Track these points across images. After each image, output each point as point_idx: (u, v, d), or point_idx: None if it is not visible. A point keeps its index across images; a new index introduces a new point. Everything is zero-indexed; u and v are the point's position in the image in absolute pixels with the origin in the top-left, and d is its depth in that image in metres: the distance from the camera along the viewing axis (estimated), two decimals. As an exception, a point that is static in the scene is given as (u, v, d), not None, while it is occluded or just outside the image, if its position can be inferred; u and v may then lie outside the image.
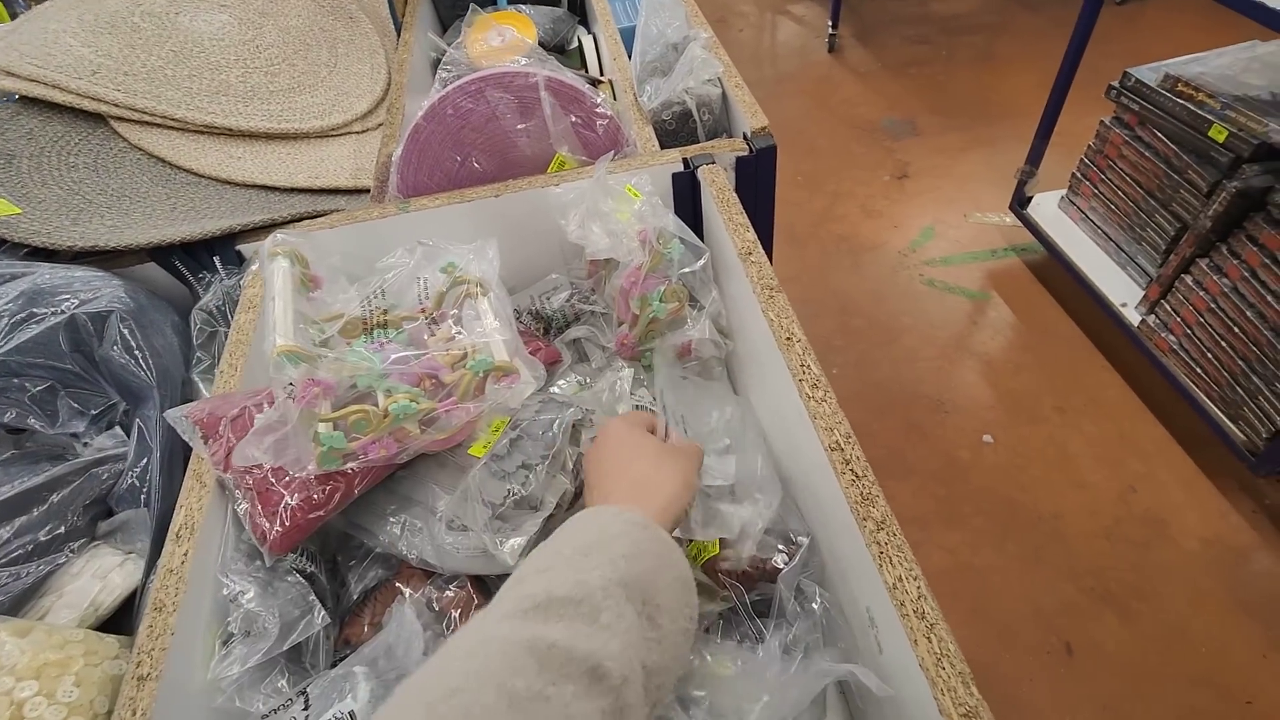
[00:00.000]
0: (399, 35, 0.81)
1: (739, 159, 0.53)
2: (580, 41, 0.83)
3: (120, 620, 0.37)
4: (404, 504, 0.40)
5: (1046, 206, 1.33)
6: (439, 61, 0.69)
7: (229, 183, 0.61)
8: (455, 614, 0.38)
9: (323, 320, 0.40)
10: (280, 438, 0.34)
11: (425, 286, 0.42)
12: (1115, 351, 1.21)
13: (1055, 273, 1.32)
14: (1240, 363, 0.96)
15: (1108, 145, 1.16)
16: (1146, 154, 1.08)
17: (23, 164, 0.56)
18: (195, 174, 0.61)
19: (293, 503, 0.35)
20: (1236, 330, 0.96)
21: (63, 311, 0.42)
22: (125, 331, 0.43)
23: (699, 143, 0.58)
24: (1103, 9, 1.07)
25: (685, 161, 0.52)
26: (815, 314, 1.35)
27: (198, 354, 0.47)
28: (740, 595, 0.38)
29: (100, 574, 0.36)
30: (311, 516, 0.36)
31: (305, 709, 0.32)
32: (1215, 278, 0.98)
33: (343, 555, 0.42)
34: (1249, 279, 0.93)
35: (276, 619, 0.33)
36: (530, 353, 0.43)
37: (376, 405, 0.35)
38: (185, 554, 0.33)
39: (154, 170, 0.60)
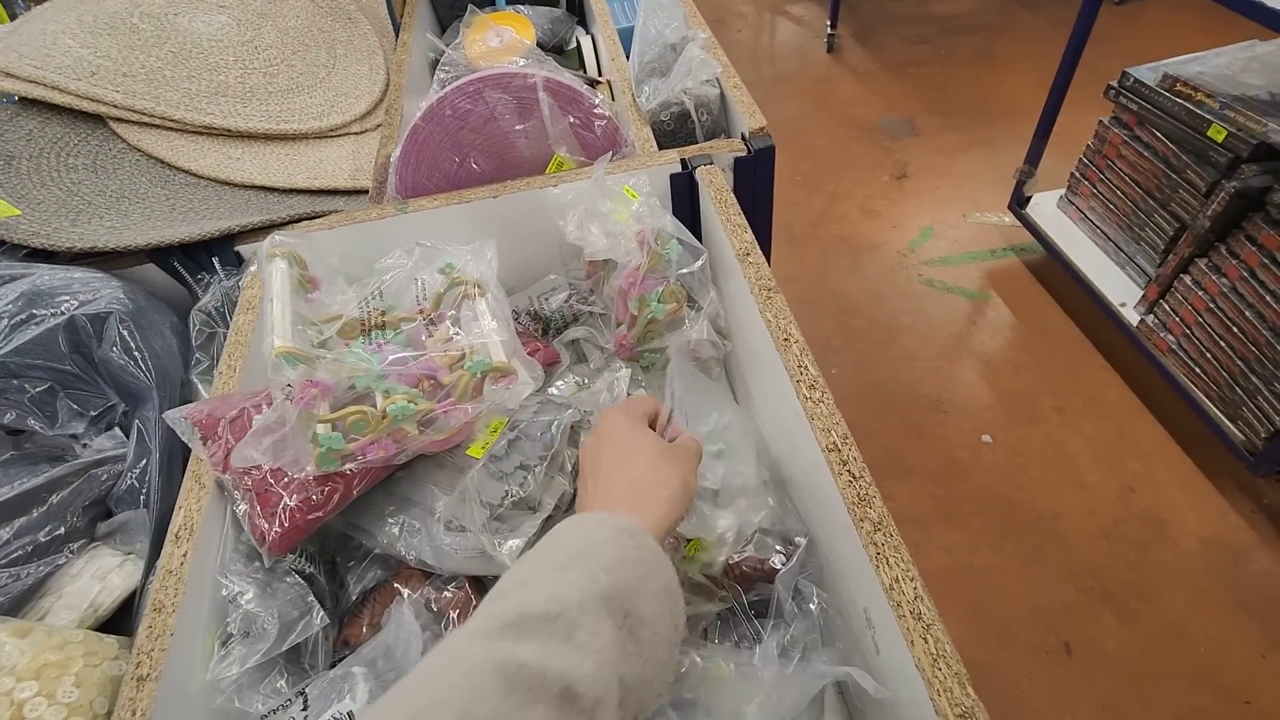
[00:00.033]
0: (397, 36, 0.81)
1: (737, 160, 0.53)
2: (579, 42, 0.83)
3: (120, 621, 0.37)
4: (402, 505, 0.40)
5: (1045, 206, 1.33)
6: (437, 62, 0.69)
7: (228, 183, 0.61)
8: (454, 614, 0.38)
9: (321, 321, 0.40)
10: (279, 439, 0.34)
11: (423, 287, 0.42)
12: (1114, 351, 1.21)
13: (1054, 272, 1.33)
14: (1239, 363, 0.96)
15: (1106, 145, 1.16)
16: (1145, 154, 1.08)
17: (22, 165, 0.56)
18: (194, 175, 0.61)
19: (291, 504, 0.35)
20: (1235, 330, 0.96)
21: (62, 313, 0.42)
22: (124, 333, 0.43)
23: (697, 143, 0.58)
24: (1101, 9, 1.07)
25: (683, 162, 0.52)
26: (814, 314, 1.35)
27: (196, 355, 0.47)
28: (738, 596, 0.38)
29: (100, 575, 0.37)
30: (310, 517, 0.36)
31: (304, 709, 0.32)
32: (1214, 278, 0.98)
33: (341, 556, 0.42)
34: (1248, 279, 0.94)
35: (275, 620, 0.34)
36: (529, 353, 0.43)
37: (375, 406, 0.35)
38: (184, 555, 0.33)
39: (153, 171, 0.60)
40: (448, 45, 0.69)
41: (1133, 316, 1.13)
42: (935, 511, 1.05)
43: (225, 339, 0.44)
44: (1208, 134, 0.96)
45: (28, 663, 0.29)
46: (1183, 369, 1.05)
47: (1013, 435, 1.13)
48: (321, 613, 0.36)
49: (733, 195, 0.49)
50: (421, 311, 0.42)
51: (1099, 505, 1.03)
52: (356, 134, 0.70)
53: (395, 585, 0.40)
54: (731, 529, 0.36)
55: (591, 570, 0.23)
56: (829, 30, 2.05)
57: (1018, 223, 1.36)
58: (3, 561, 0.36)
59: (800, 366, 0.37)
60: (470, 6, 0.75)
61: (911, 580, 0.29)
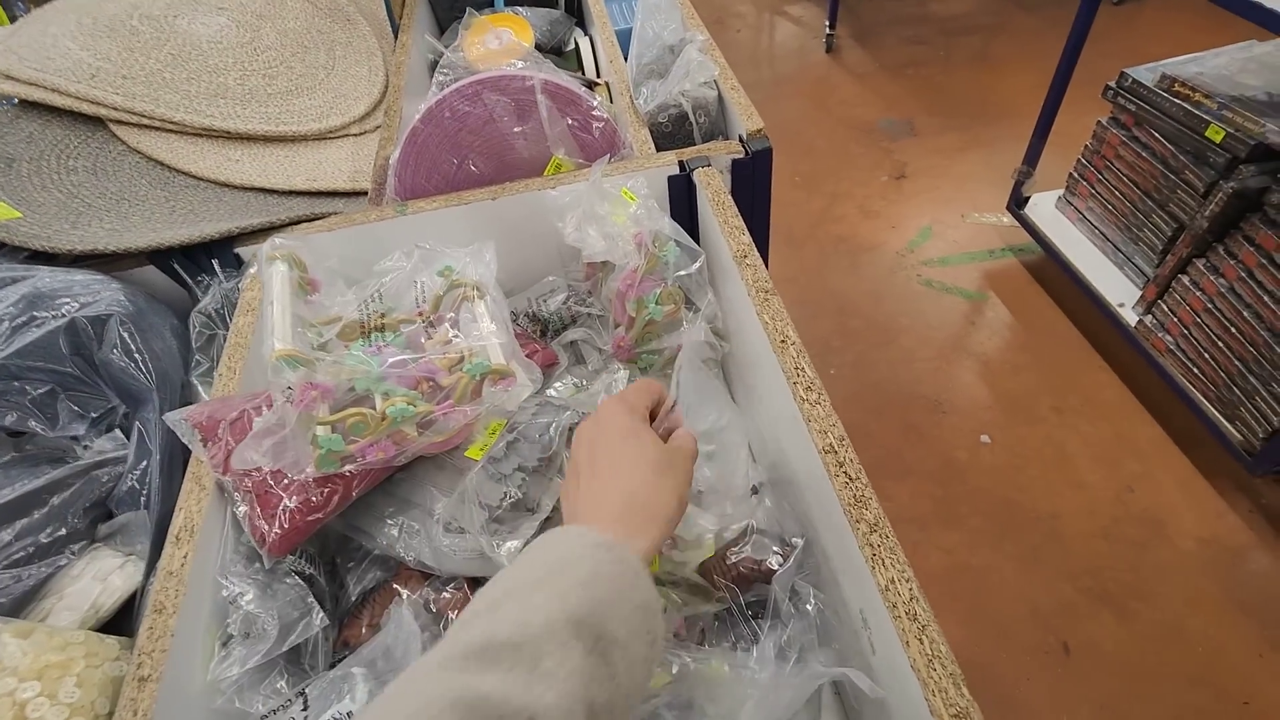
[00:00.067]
0: (396, 37, 0.81)
1: (735, 161, 0.53)
2: (577, 43, 0.83)
3: (120, 622, 0.37)
4: (402, 506, 0.40)
5: (1044, 207, 1.34)
6: (436, 64, 0.69)
7: (227, 185, 0.62)
8: (452, 615, 0.38)
9: (320, 324, 0.40)
10: (279, 441, 0.34)
11: (422, 290, 0.42)
12: (1112, 352, 1.22)
13: (1052, 273, 1.33)
14: (1237, 363, 0.97)
15: (1105, 145, 1.16)
16: (1143, 154, 1.08)
17: (22, 167, 0.56)
18: (194, 177, 0.61)
19: (291, 505, 0.35)
20: (1233, 331, 0.96)
21: (63, 315, 0.42)
22: (125, 335, 0.43)
23: (695, 145, 0.58)
24: (1100, 9, 1.07)
25: (681, 164, 0.52)
26: (813, 315, 1.36)
27: (196, 357, 0.47)
28: (735, 596, 0.38)
29: (100, 576, 0.37)
30: (310, 519, 0.36)
31: (304, 710, 0.32)
32: (1212, 278, 0.98)
33: (341, 557, 0.42)
34: (1245, 279, 0.94)
35: (275, 620, 0.34)
36: (527, 355, 0.43)
37: (374, 408, 0.35)
38: (185, 556, 0.34)
39: (152, 173, 0.60)
40: (446, 47, 0.69)
41: (1131, 317, 1.13)
42: (934, 512, 1.05)
43: (225, 341, 0.44)
44: (1206, 134, 0.96)
45: (30, 663, 0.30)
46: (1181, 369, 1.06)
47: (1011, 435, 1.13)
48: (321, 614, 0.36)
49: (730, 197, 0.50)
50: (421, 314, 0.42)
51: (1097, 505, 1.04)
52: (355, 135, 0.71)
53: (394, 586, 0.40)
54: (710, 532, 0.36)
55: (563, 590, 0.22)
56: (828, 31, 2.05)
57: (1016, 223, 1.37)
58: (4, 563, 0.36)
59: (797, 368, 0.38)
60: (468, 9, 0.75)
61: (907, 581, 0.29)
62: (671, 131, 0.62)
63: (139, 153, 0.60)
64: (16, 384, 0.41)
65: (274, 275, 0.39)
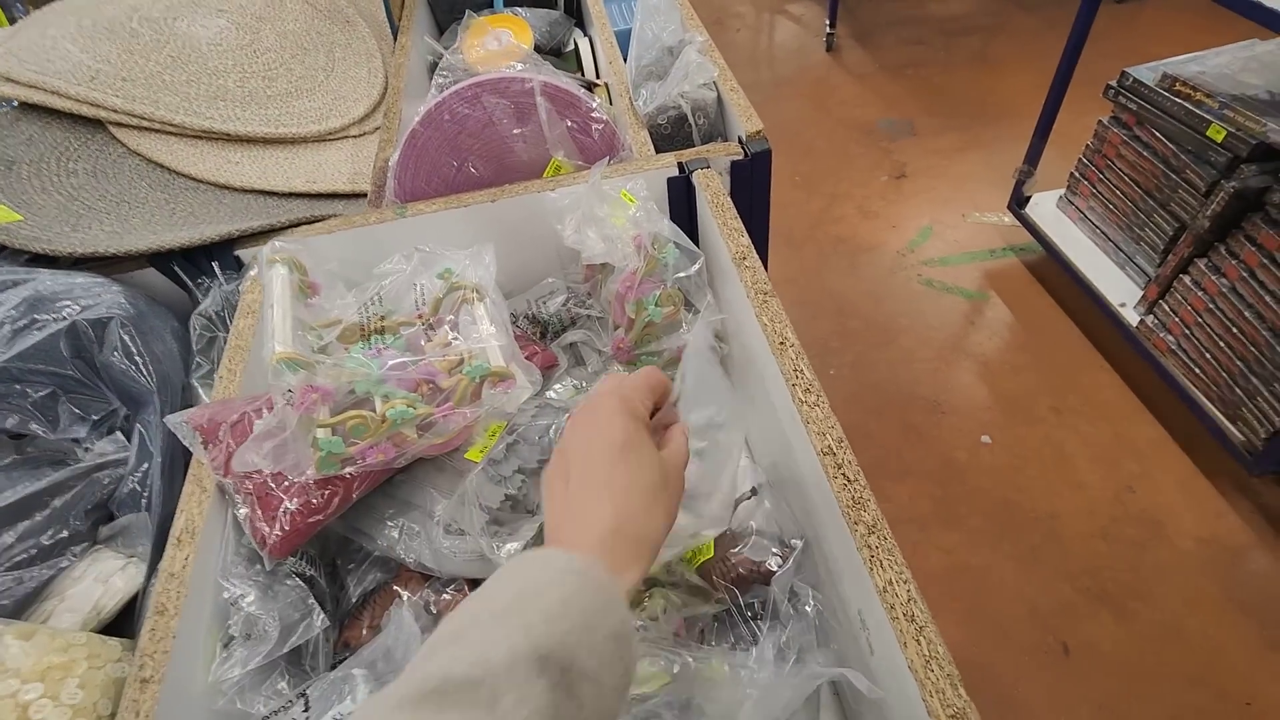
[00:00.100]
0: (395, 39, 0.81)
1: (734, 163, 0.53)
2: (576, 44, 0.83)
3: (122, 623, 0.37)
4: (402, 508, 0.40)
5: (1045, 206, 1.34)
6: (436, 65, 0.69)
7: (227, 188, 0.62)
8: (453, 617, 0.39)
9: (320, 326, 0.40)
10: (279, 443, 0.35)
11: (422, 292, 0.43)
12: (1113, 352, 1.21)
13: (1053, 273, 1.33)
14: (1239, 363, 0.96)
15: (1106, 145, 1.16)
16: (1144, 154, 1.08)
17: (23, 170, 0.56)
18: (194, 179, 0.61)
19: (292, 507, 0.36)
20: (1235, 331, 0.96)
21: (64, 318, 0.42)
22: (125, 337, 0.43)
23: (694, 147, 0.58)
24: (1100, 8, 1.07)
25: (680, 166, 0.52)
26: (813, 315, 1.36)
27: (197, 359, 0.47)
28: (734, 598, 0.38)
29: (102, 578, 0.37)
30: (310, 521, 0.36)
31: (305, 710, 0.32)
32: (1213, 278, 0.98)
33: (342, 559, 0.42)
34: (1247, 279, 0.94)
35: (276, 622, 0.34)
36: (527, 357, 0.43)
37: (374, 410, 0.35)
38: (186, 558, 0.34)
39: (153, 176, 0.60)
40: (446, 48, 0.69)
41: (1132, 317, 1.13)
42: (934, 512, 1.05)
43: (225, 343, 0.45)
44: (1207, 134, 0.96)
45: (32, 665, 0.30)
46: (1182, 369, 1.05)
47: (1011, 436, 1.13)
48: (322, 615, 0.36)
49: (729, 199, 0.50)
50: (420, 316, 0.42)
51: (1097, 505, 1.04)
52: (355, 137, 0.71)
53: (395, 588, 0.40)
54: (685, 528, 0.34)
55: (528, 621, 0.21)
56: (828, 30, 2.05)
57: (1017, 223, 1.37)
58: (6, 565, 0.36)
59: (796, 370, 0.38)
60: (467, 10, 0.75)
61: (905, 583, 0.29)
62: (671, 133, 0.62)
63: (139, 155, 0.61)
64: (18, 387, 0.41)
65: (274, 278, 0.39)
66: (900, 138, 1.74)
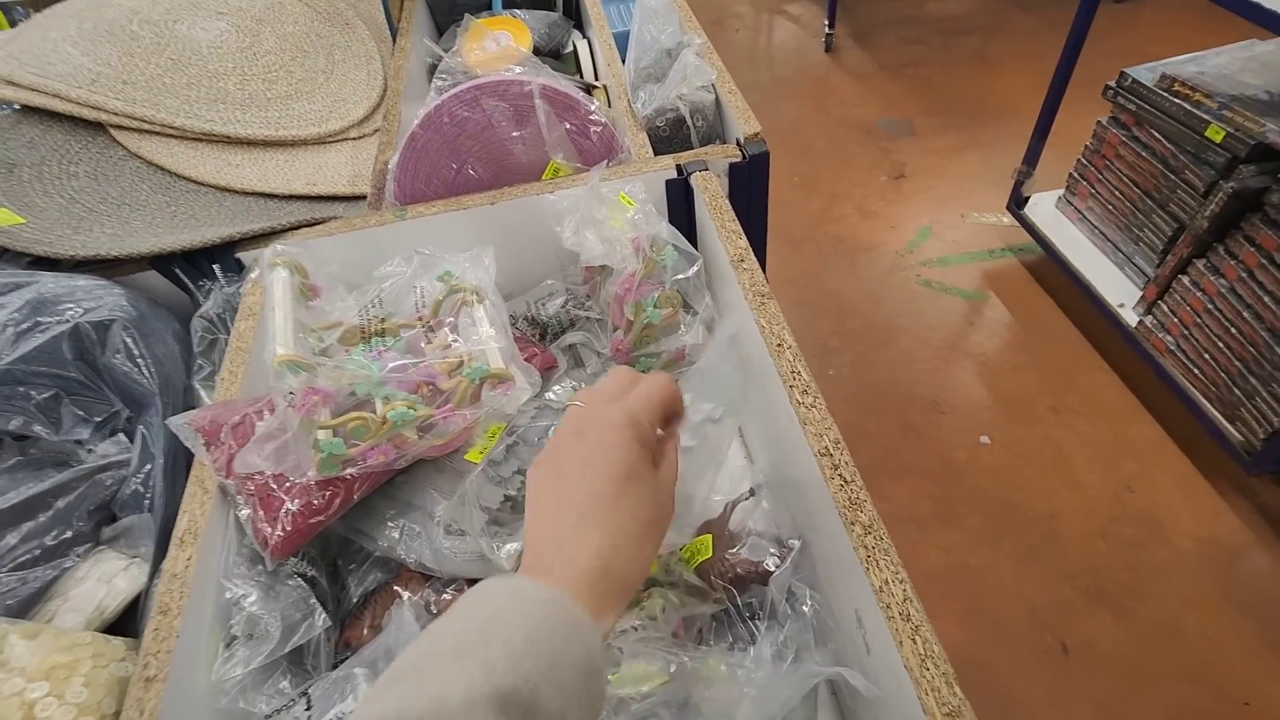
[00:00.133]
0: (394, 41, 0.81)
1: (732, 165, 0.54)
2: (575, 46, 0.84)
3: (125, 623, 0.38)
4: (403, 509, 0.41)
5: (1044, 207, 1.34)
6: (435, 67, 0.69)
7: (228, 190, 0.62)
8: (453, 616, 0.39)
9: (321, 329, 0.41)
10: (281, 445, 0.35)
11: (422, 295, 0.43)
12: (1112, 352, 1.22)
13: (1052, 273, 1.33)
14: (1237, 363, 0.97)
15: (1105, 145, 1.16)
16: (1143, 154, 1.08)
17: (24, 173, 0.56)
18: (194, 181, 0.62)
19: (293, 508, 0.36)
20: (1233, 331, 0.96)
21: (66, 320, 0.42)
22: (128, 340, 0.43)
23: (693, 149, 0.58)
24: (1099, 9, 1.07)
25: (679, 168, 0.53)
26: (812, 316, 1.36)
27: (198, 361, 0.48)
28: (732, 598, 0.38)
29: (105, 578, 0.37)
30: (312, 521, 0.36)
31: (308, 709, 0.32)
32: (1212, 278, 0.98)
33: (343, 559, 0.43)
34: (1246, 280, 0.94)
35: (278, 622, 0.34)
36: (526, 358, 0.44)
37: (375, 412, 0.36)
38: (189, 558, 0.34)
39: (154, 178, 0.61)
40: (445, 50, 0.69)
41: (1131, 317, 1.14)
42: (933, 512, 1.05)
43: (227, 345, 0.45)
44: (1206, 134, 0.97)
45: (38, 664, 0.30)
46: (1181, 369, 1.06)
47: (1010, 436, 1.13)
48: (323, 615, 0.36)
49: (727, 201, 0.50)
50: (420, 318, 0.42)
51: (1095, 505, 1.04)
52: (354, 139, 0.71)
53: (395, 588, 0.41)
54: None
55: (491, 658, 0.19)
56: (826, 31, 2.05)
57: (1016, 223, 1.37)
58: (10, 565, 0.36)
59: (793, 372, 0.38)
60: (466, 13, 0.76)
61: (901, 582, 0.30)
62: (669, 136, 0.62)
63: (140, 158, 0.61)
64: (21, 389, 0.42)
65: (275, 281, 0.39)
66: (899, 138, 1.74)
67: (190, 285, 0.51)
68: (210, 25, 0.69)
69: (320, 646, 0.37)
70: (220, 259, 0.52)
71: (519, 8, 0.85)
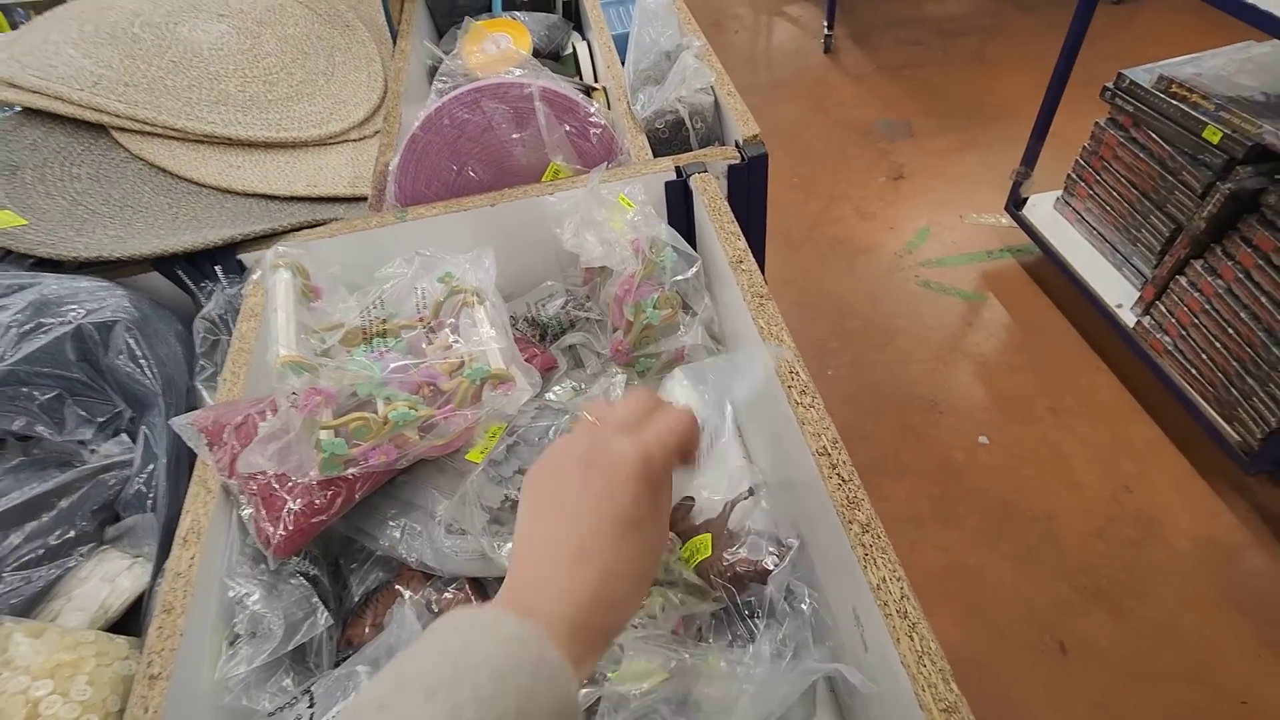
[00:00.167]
0: (395, 43, 0.82)
1: (731, 167, 0.54)
2: (575, 48, 0.84)
3: (128, 622, 0.38)
4: (404, 508, 0.41)
5: (1042, 208, 1.34)
6: (435, 69, 0.70)
7: (229, 192, 0.62)
8: (454, 615, 0.39)
9: (323, 330, 0.41)
10: (283, 445, 0.35)
11: (423, 296, 0.43)
12: (1110, 352, 1.22)
13: (1050, 274, 1.33)
14: (1234, 364, 0.97)
15: (1102, 146, 1.16)
16: (1141, 155, 1.09)
17: (27, 175, 0.57)
18: (196, 183, 0.62)
19: (296, 508, 0.36)
20: (1231, 331, 0.97)
21: (69, 321, 0.43)
22: (130, 341, 0.44)
23: (692, 151, 0.58)
24: (1097, 10, 1.07)
25: (678, 170, 0.53)
26: (811, 316, 1.36)
27: (201, 362, 0.48)
28: (732, 596, 0.39)
29: (109, 577, 0.38)
30: (314, 521, 0.37)
31: (310, 706, 0.33)
32: (1209, 279, 0.99)
33: (344, 558, 0.43)
34: (1243, 280, 0.94)
35: (281, 620, 0.35)
36: (526, 359, 0.44)
37: (376, 412, 0.36)
38: (192, 558, 0.34)
39: (155, 180, 0.61)
40: (445, 52, 0.69)
41: (1129, 318, 1.14)
42: (931, 511, 1.06)
43: (229, 346, 0.45)
44: (1203, 135, 0.97)
45: (42, 662, 0.30)
46: (1179, 370, 1.06)
47: (1008, 436, 1.14)
48: (326, 613, 0.37)
49: (726, 203, 0.50)
50: (421, 319, 0.42)
51: (1093, 505, 1.04)
52: (355, 141, 0.71)
53: (397, 587, 0.41)
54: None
55: (458, 702, 0.18)
56: (825, 32, 2.06)
57: (1014, 224, 1.37)
58: (14, 565, 0.36)
59: (791, 372, 0.38)
60: (466, 15, 0.76)
61: (898, 580, 0.30)
62: (668, 138, 0.63)
63: (141, 160, 0.61)
64: (24, 389, 0.42)
65: (278, 283, 0.40)
66: (898, 139, 1.75)
67: (192, 286, 0.51)
68: (211, 27, 0.70)
69: (322, 645, 0.37)
70: (222, 260, 0.52)
71: (518, 10, 0.86)
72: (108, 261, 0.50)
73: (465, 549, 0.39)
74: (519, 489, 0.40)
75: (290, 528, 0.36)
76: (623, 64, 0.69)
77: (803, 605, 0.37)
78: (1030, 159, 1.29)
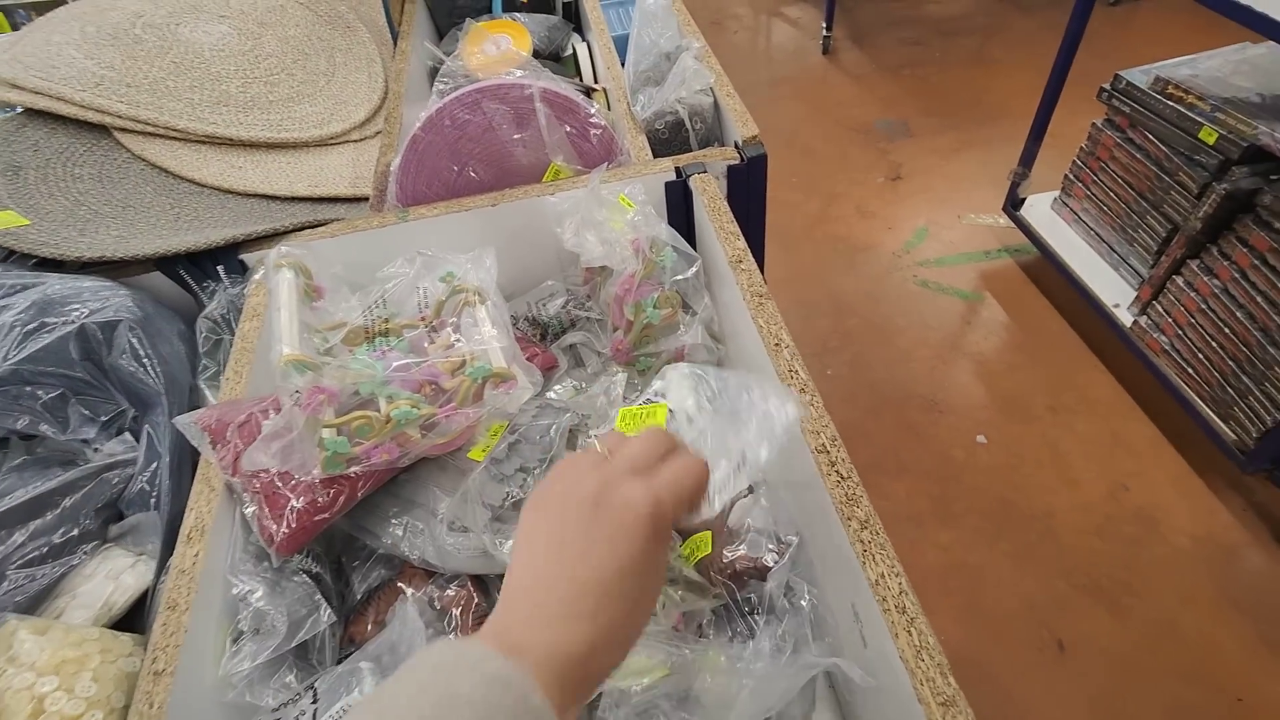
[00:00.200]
0: (395, 44, 0.82)
1: (730, 167, 0.54)
2: (575, 49, 0.84)
3: (132, 619, 0.38)
4: (406, 506, 0.41)
5: (1039, 208, 1.35)
6: (436, 70, 0.70)
7: (231, 192, 0.63)
8: (456, 612, 0.39)
9: (326, 329, 0.41)
10: (286, 443, 0.35)
11: (425, 295, 0.43)
12: (1107, 352, 1.23)
13: (1048, 274, 1.34)
14: (1230, 363, 0.98)
15: (1099, 147, 1.17)
16: (1138, 156, 1.09)
17: (29, 175, 0.57)
18: (198, 184, 0.62)
19: (299, 505, 0.36)
20: (1227, 331, 0.97)
21: (73, 321, 0.43)
22: (133, 340, 0.44)
23: (691, 152, 0.59)
24: (1094, 11, 1.08)
25: (677, 170, 0.53)
26: (811, 316, 1.37)
27: (203, 361, 0.48)
28: (732, 593, 0.39)
29: (113, 575, 0.38)
30: (317, 519, 0.37)
31: (314, 702, 0.33)
32: (1206, 279, 0.99)
33: (347, 556, 0.43)
34: (1239, 280, 0.95)
35: (285, 617, 0.35)
36: (527, 358, 0.44)
37: (379, 411, 0.36)
38: (196, 555, 0.35)
39: (157, 181, 0.61)
40: (446, 53, 0.70)
41: (1126, 317, 1.14)
42: (931, 510, 1.06)
43: (231, 345, 0.45)
44: (1199, 136, 0.98)
45: (47, 659, 0.31)
46: (1175, 369, 1.07)
47: (1007, 435, 1.14)
48: (328, 610, 0.37)
49: (726, 203, 0.51)
50: (423, 319, 0.43)
51: (1092, 503, 1.05)
52: (356, 141, 0.71)
53: (399, 584, 0.41)
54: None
55: None
56: (824, 32, 2.06)
57: (1012, 224, 1.38)
58: (19, 563, 0.37)
59: (791, 371, 0.39)
60: (467, 17, 0.76)
61: (896, 576, 0.30)
62: (668, 138, 0.63)
63: (143, 160, 0.61)
64: (28, 389, 0.42)
65: (281, 282, 0.40)
66: (897, 138, 1.75)
67: (194, 286, 0.51)
68: (212, 28, 0.70)
69: (325, 641, 0.38)
70: (224, 260, 0.52)
71: (518, 11, 0.86)
72: (110, 261, 0.50)
73: (467, 546, 0.39)
74: (520, 487, 0.40)
75: (293, 525, 0.36)
76: (623, 65, 0.69)
77: (802, 601, 0.37)
78: (1028, 159, 1.30)
